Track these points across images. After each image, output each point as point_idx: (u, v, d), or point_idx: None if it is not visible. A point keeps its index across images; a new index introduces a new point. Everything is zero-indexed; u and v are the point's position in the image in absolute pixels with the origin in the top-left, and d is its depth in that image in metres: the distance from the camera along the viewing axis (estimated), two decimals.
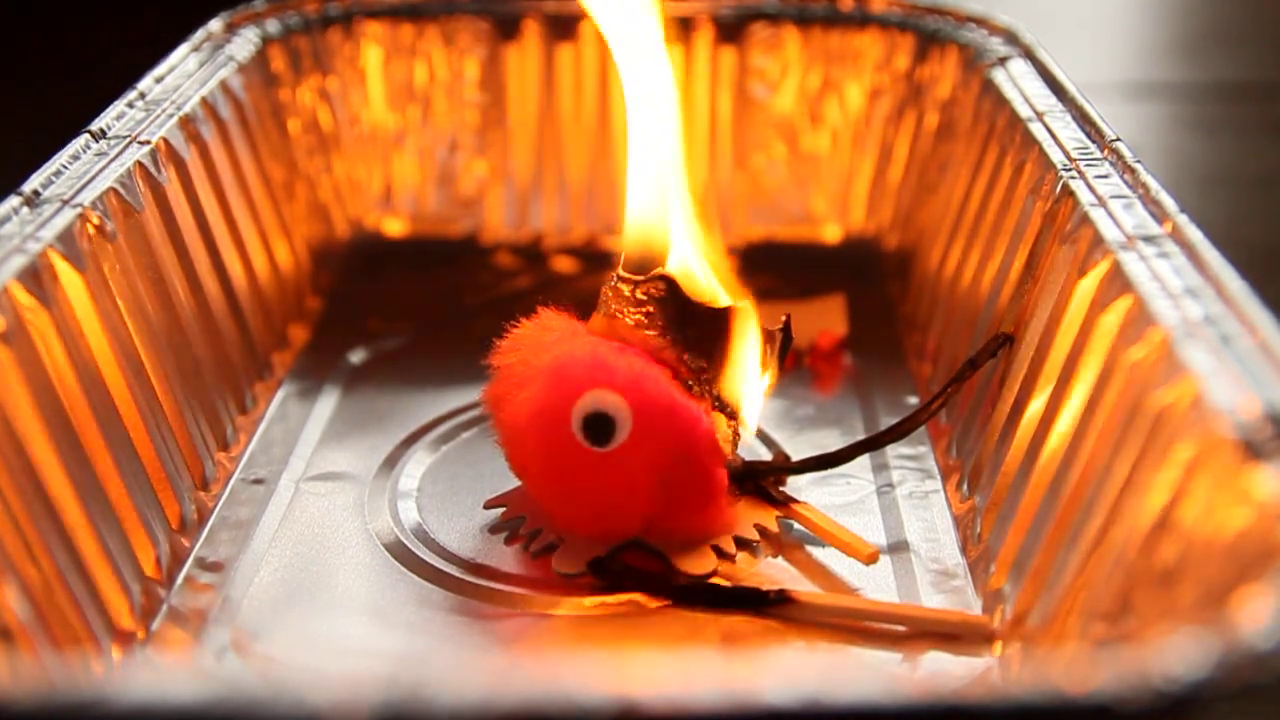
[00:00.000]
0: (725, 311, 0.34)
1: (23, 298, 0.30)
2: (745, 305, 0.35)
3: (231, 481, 0.37)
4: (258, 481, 0.37)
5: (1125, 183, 0.35)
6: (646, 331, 0.34)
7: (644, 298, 0.34)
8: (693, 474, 0.33)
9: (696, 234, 0.36)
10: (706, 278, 0.35)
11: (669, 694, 0.20)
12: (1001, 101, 0.42)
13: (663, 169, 0.35)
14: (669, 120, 0.36)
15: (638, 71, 0.36)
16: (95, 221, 0.34)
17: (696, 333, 0.34)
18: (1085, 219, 0.34)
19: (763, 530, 0.34)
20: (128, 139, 0.37)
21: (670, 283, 0.34)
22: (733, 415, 0.34)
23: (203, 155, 0.40)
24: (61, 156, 0.35)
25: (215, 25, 0.46)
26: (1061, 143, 0.38)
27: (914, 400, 0.41)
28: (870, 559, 0.33)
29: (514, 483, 0.35)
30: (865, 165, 0.49)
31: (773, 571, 0.33)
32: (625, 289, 0.34)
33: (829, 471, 0.36)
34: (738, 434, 0.35)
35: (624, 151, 0.36)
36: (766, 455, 0.37)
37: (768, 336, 0.35)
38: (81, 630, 0.29)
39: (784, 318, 0.35)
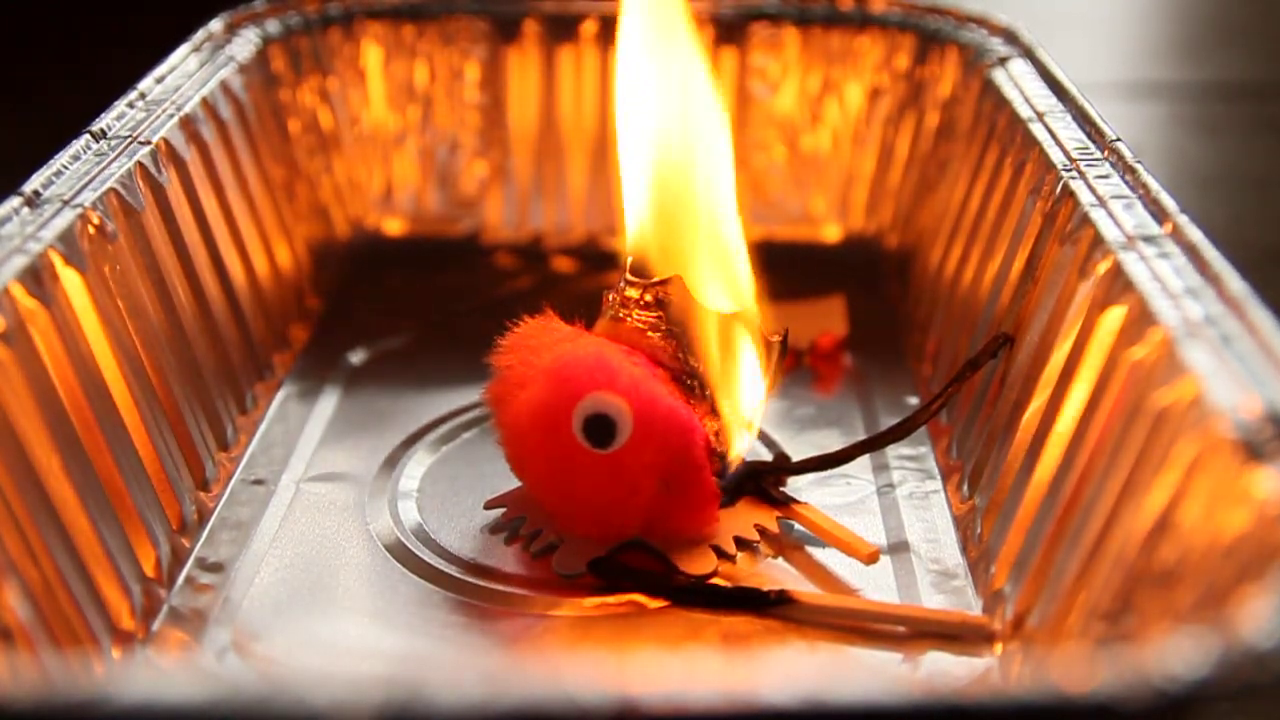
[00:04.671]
0: (731, 317, 0.34)
1: (23, 298, 0.30)
2: (751, 311, 0.35)
3: (232, 482, 0.37)
4: (258, 482, 0.37)
5: (1125, 183, 0.35)
6: (652, 334, 0.34)
7: (652, 300, 0.34)
8: (691, 476, 0.33)
9: (723, 236, 0.36)
10: (720, 280, 0.35)
11: (669, 694, 0.20)
12: (1002, 101, 0.42)
13: (687, 176, 0.36)
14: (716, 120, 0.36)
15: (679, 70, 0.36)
16: (96, 222, 0.34)
17: (702, 337, 0.34)
18: (1085, 219, 0.34)
19: (763, 530, 0.34)
20: (128, 139, 0.37)
21: (680, 286, 0.34)
22: (732, 420, 0.34)
23: (203, 155, 0.40)
24: (62, 157, 0.35)
25: (215, 25, 0.46)
26: (1062, 143, 0.38)
27: (914, 400, 0.41)
28: (870, 559, 0.33)
29: (514, 483, 0.35)
30: (865, 165, 0.50)
31: (773, 572, 0.33)
32: (634, 292, 0.34)
33: (829, 472, 0.36)
34: (737, 438, 0.35)
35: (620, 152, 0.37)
36: (766, 455, 0.37)
37: (767, 345, 0.35)
38: (81, 630, 0.29)
39: (783, 331, 0.35)
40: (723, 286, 0.36)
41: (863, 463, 0.36)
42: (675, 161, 0.36)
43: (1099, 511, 0.28)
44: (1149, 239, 0.32)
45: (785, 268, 0.37)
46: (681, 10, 0.36)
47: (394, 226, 0.50)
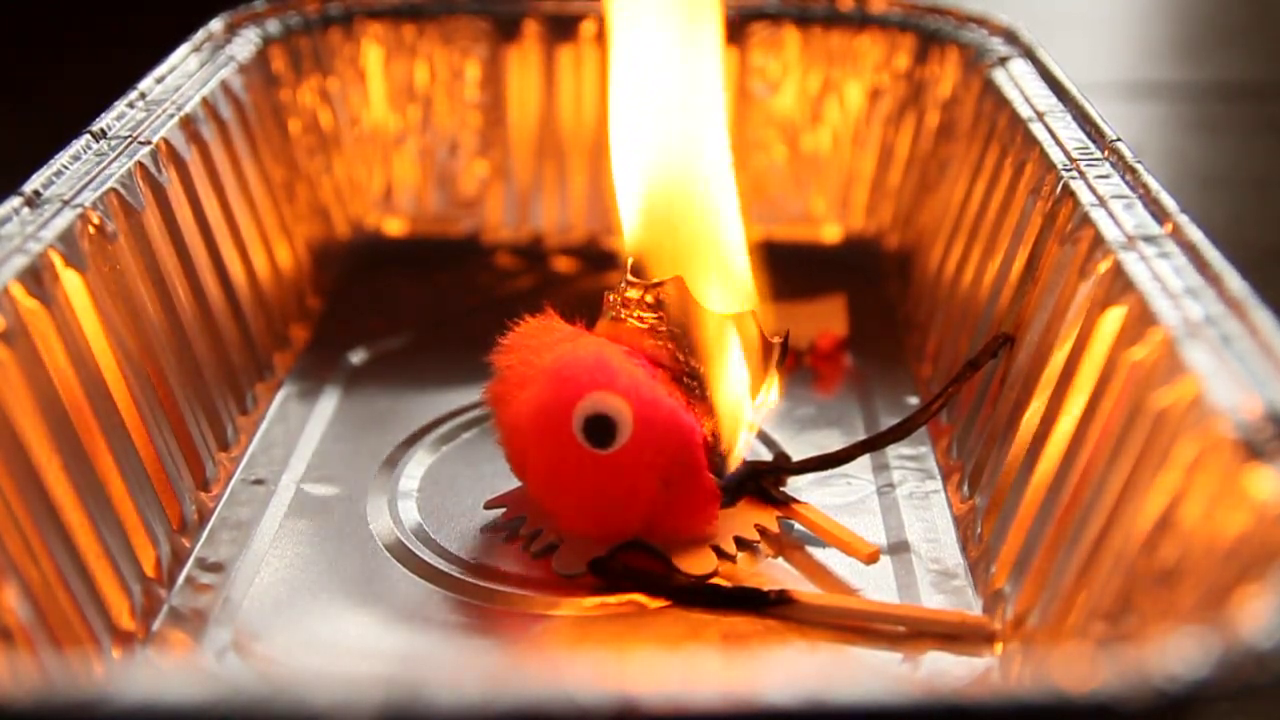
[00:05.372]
0: (732, 318, 0.34)
1: (23, 298, 0.30)
2: (753, 312, 0.35)
3: (232, 482, 0.37)
4: (258, 482, 0.37)
5: (1126, 183, 0.35)
6: (653, 335, 0.34)
7: (653, 301, 0.34)
8: (691, 477, 0.33)
9: (724, 236, 0.36)
10: (720, 281, 0.35)
11: (669, 694, 0.20)
12: (1002, 101, 0.42)
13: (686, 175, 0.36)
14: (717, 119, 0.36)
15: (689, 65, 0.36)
16: (96, 221, 0.34)
17: (703, 338, 0.34)
18: (1086, 219, 0.34)
19: (763, 530, 0.34)
20: (128, 139, 0.37)
21: (681, 287, 0.34)
22: (732, 421, 0.34)
23: (203, 155, 0.40)
24: (62, 157, 0.35)
25: (216, 25, 0.46)
26: (1062, 143, 0.38)
27: (914, 400, 0.41)
28: (870, 559, 0.33)
29: (514, 483, 0.35)
30: (865, 165, 0.50)
31: (773, 571, 0.33)
32: (634, 293, 0.34)
33: (829, 471, 0.36)
34: (736, 439, 0.35)
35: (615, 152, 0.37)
36: (766, 455, 0.37)
37: (767, 346, 0.35)
38: (81, 630, 0.29)
39: (784, 331, 0.35)
40: (723, 287, 0.36)
41: (863, 463, 0.36)
42: (674, 160, 0.36)
43: (1099, 511, 0.28)
44: (1149, 239, 0.32)
45: (785, 268, 0.37)
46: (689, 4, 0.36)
47: (394, 226, 0.50)
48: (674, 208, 0.36)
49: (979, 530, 0.33)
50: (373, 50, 0.50)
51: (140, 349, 0.34)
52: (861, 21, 0.49)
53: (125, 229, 0.35)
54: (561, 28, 0.50)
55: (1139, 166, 0.35)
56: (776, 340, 0.35)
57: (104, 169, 0.35)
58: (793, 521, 0.34)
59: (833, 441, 0.38)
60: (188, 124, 0.40)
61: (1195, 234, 0.31)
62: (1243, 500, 0.24)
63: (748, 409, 0.35)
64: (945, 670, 0.30)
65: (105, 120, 0.38)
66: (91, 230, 0.33)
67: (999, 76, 0.44)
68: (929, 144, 0.48)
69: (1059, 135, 0.38)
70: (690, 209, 0.36)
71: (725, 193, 0.36)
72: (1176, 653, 0.20)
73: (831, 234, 0.50)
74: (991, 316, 0.38)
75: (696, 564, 0.33)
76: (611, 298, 0.35)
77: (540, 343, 0.34)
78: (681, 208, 0.36)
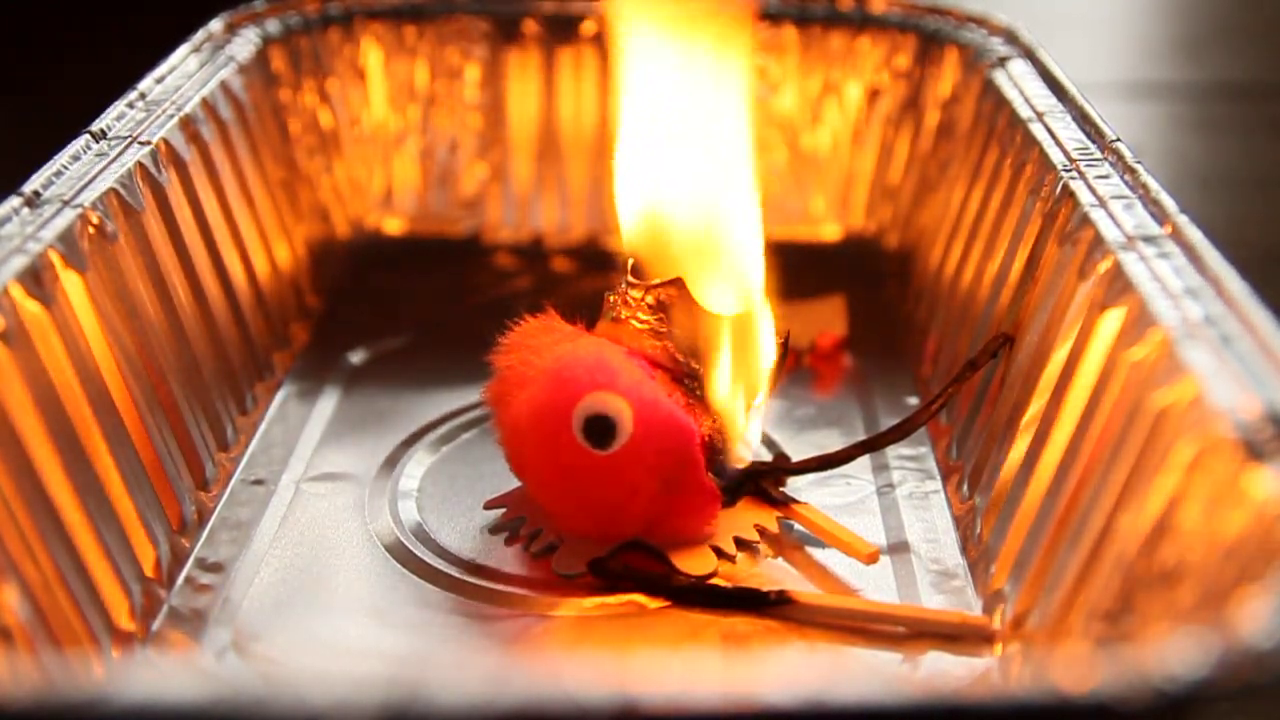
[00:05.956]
0: (732, 319, 0.34)
1: (22, 298, 0.30)
2: (754, 313, 0.35)
3: (232, 482, 0.37)
4: (258, 482, 0.37)
5: (1125, 183, 0.35)
6: (653, 336, 0.34)
7: (654, 302, 0.34)
8: (691, 477, 0.33)
9: (734, 237, 0.36)
10: (724, 282, 0.35)
11: (669, 694, 0.20)
12: (1002, 102, 0.42)
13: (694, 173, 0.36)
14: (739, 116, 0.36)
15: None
16: (95, 222, 0.34)
17: (703, 339, 0.34)
18: (1085, 219, 0.34)
19: (763, 531, 0.34)
20: (128, 139, 0.37)
21: (682, 288, 0.34)
22: (732, 422, 0.34)
23: (203, 155, 0.40)
24: (62, 157, 0.35)
25: (215, 25, 0.46)
26: (1061, 143, 0.38)
27: (914, 400, 0.41)
28: (870, 559, 0.33)
29: (514, 483, 0.35)
30: (865, 165, 0.50)
31: (773, 572, 0.33)
32: (635, 294, 0.34)
33: (829, 472, 0.36)
34: (735, 440, 0.35)
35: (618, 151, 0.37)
36: (766, 456, 0.37)
37: (768, 347, 0.35)
38: (81, 630, 0.29)
39: (784, 331, 0.35)
40: (727, 288, 0.36)
41: (863, 463, 0.36)
42: (689, 164, 0.36)
43: (1099, 512, 0.28)
44: (1149, 239, 0.32)
45: (785, 268, 0.37)
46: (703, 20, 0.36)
47: (394, 226, 0.50)
48: (680, 210, 0.36)
49: (978, 530, 0.33)
50: (373, 50, 0.50)
51: (140, 349, 0.34)
52: (861, 22, 0.49)
53: (125, 229, 0.35)
54: (561, 28, 0.50)
55: (1139, 166, 0.35)
56: (776, 340, 0.35)
57: (104, 169, 0.35)
58: (792, 522, 0.34)
59: (832, 441, 0.38)
60: (187, 124, 0.40)
61: (1195, 234, 0.31)
62: (1243, 500, 0.24)
63: (748, 410, 0.35)
64: (945, 670, 0.30)
65: (105, 120, 0.38)
66: (91, 230, 0.33)
67: (999, 77, 0.44)
68: (929, 144, 0.48)
69: (1059, 135, 0.38)
70: (698, 211, 0.36)
71: (741, 195, 0.36)
72: (1176, 653, 0.20)
73: (831, 234, 0.50)
74: (991, 316, 0.38)
75: (696, 564, 0.33)
76: (611, 298, 0.35)
77: (540, 343, 0.34)
78: (688, 210, 0.36)
